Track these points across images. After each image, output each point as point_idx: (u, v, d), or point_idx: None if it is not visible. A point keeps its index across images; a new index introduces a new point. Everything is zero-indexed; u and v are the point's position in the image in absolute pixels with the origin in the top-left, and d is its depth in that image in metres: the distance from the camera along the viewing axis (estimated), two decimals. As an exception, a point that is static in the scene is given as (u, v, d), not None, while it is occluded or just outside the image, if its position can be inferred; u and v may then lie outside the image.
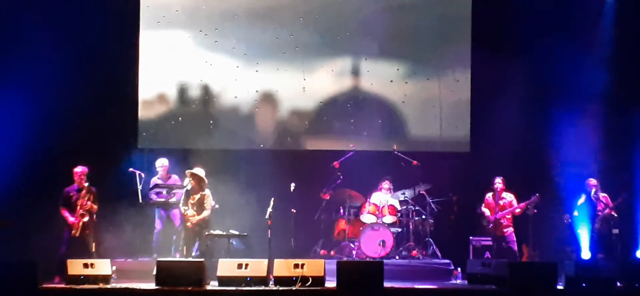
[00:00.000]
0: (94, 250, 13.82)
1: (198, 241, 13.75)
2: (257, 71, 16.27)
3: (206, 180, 13.85)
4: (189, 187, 13.69)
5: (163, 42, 16.25)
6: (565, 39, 15.76)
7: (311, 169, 15.83)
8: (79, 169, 13.94)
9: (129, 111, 16.04)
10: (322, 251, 15.21)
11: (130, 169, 14.82)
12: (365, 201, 15.45)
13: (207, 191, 13.75)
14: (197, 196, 13.66)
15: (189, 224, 13.63)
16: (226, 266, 12.76)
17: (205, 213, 13.69)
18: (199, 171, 13.82)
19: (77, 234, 13.75)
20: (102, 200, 14.19)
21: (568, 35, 15.76)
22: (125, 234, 14.70)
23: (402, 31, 16.32)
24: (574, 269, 12.74)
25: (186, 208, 13.67)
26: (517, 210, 14.73)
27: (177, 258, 13.70)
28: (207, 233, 13.88)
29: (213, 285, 12.70)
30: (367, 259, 14.60)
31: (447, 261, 14.80)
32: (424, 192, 15.47)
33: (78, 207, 13.81)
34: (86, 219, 13.80)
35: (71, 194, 13.91)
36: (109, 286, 12.73)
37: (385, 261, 13.32)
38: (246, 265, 12.70)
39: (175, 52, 16.25)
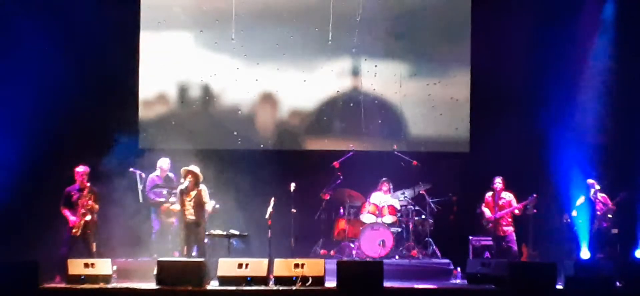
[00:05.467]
0: (94, 249, 13.82)
1: (197, 242, 13.74)
2: (257, 71, 16.28)
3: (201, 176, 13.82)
4: (183, 187, 13.65)
5: (163, 42, 16.25)
6: (566, 38, 15.77)
7: (311, 169, 15.84)
8: (80, 169, 13.94)
9: (129, 111, 16.05)
10: (322, 251, 15.21)
11: (131, 169, 14.86)
12: (365, 201, 15.46)
13: (202, 187, 13.74)
14: (193, 193, 13.62)
15: (209, 212, 13.67)
16: (226, 266, 12.77)
17: (209, 206, 13.69)
18: (194, 168, 13.79)
19: (78, 234, 13.76)
20: (103, 200, 14.21)
21: (568, 34, 15.78)
22: (126, 234, 14.71)
23: (402, 31, 16.32)
24: (574, 269, 12.76)
25: (185, 207, 13.61)
26: (516, 210, 14.73)
27: (177, 258, 13.69)
28: (207, 232, 13.89)
29: (213, 285, 12.72)
30: (367, 259, 14.61)
31: (446, 261, 14.81)
32: (423, 192, 15.47)
33: (79, 207, 13.82)
34: (88, 218, 13.81)
35: (72, 193, 13.91)
36: (109, 286, 12.76)
37: (385, 261, 13.33)
38: (246, 265, 12.72)
39: (175, 53, 16.26)
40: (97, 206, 13.96)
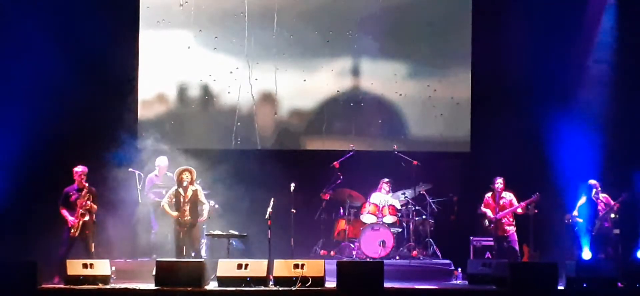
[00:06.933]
0: (93, 250, 13.77)
1: (192, 244, 13.63)
2: (256, 71, 16.23)
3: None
4: (180, 188, 13.56)
5: (163, 42, 16.21)
6: (567, 38, 15.74)
7: (311, 169, 15.80)
8: (78, 169, 13.88)
9: (128, 110, 16.00)
10: (322, 252, 15.18)
11: (130, 169, 14.83)
12: (365, 201, 15.41)
13: (197, 186, 13.68)
14: (189, 193, 13.54)
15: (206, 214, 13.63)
16: (226, 267, 12.72)
17: (206, 206, 13.63)
18: (188, 168, 13.72)
19: (77, 234, 13.70)
20: (102, 200, 14.16)
21: (569, 34, 15.75)
22: (124, 235, 14.67)
23: (402, 31, 16.30)
24: (575, 269, 12.75)
25: (178, 210, 13.53)
26: (518, 209, 14.68)
27: (177, 259, 13.61)
28: (206, 233, 13.81)
29: (212, 286, 12.67)
30: (367, 259, 14.57)
31: (447, 261, 14.77)
32: (424, 192, 15.44)
33: (78, 207, 13.76)
34: (86, 219, 13.75)
35: (71, 194, 13.85)
36: (108, 286, 12.71)
37: (385, 261, 13.27)
38: (246, 265, 12.67)
39: (175, 52, 16.22)
40: (95, 207, 13.90)
